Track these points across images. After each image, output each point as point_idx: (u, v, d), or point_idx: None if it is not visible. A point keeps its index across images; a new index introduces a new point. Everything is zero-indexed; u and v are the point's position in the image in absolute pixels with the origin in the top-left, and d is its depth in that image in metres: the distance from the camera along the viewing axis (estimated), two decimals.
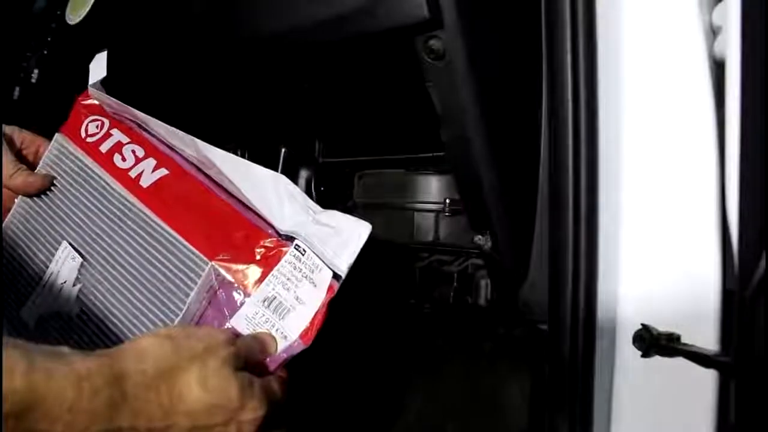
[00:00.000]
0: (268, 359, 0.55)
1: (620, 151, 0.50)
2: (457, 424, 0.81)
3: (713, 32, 0.48)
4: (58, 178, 0.70)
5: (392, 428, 0.83)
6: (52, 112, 0.75)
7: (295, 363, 0.56)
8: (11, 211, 0.71)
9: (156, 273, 0.60)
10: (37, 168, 0.71)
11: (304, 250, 0.56)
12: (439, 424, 0.82)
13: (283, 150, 0.83)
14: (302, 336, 0.55)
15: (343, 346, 0.80)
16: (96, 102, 0.73)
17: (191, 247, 0.59)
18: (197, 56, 0.67)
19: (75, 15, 0.88)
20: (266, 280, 0.57)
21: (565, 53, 0.48)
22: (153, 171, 0.66)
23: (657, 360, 0.46)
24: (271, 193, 0.59)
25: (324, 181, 0.86)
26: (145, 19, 0.71)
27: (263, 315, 0.56)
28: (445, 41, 0.48)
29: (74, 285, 0.64)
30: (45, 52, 0.94)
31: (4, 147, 0.69)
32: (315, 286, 0.55)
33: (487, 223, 0.56)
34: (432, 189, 0.74)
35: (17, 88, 0.97)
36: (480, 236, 0.57)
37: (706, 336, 0.45)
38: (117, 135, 0.70)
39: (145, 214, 0.63)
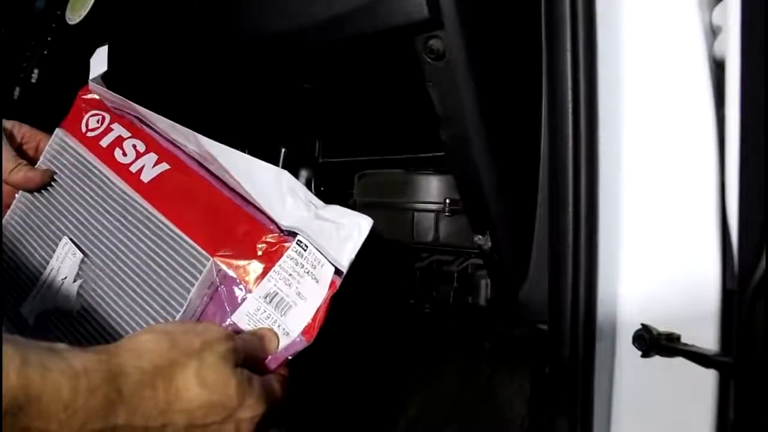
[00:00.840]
0: (269, 357, 0.55)
1: (620, 151, 0.50)
2: (456, 423, 0.81)
3: (713, 32, 0.48)
4: (59, 173, 0.70)
5: (392, 428, 0.83)
6: (52, 112, 0.75)
7: (295, 362, 0.56)
8: (11, 207, 0.71)
9: (157, 269, 0.60)
10: (38, 163, 0.71)
11: (306, 246, 0.56)
12: (439, 424, 0.82)
13: (283, 150, 0.83)
14: (304, 332, 0.55)
15: (343, 346, 0.80)
16: (96, 97, 0.73)
17: (192, 242, 0.59)
18: (197, 56, 0.67)
19: (75, 15, 0.88)
20: (268, 276, 0.57)
21: (564, 53, 0.48)
22: (154, 166, 0.65)
23: (657, 360, 0.46)
24: (272, 188, 0.59)
25: (324, 181, 0.86)
26: (146, 18, 0.71)
27: (265, 311, 0.56)
28: (445, 41, 0.48)
29: (75, 281, 0.64)
30: (45, 52, 0.94)
31: (4, 142, 0.68)
32: (317, 281, 0.55)
33: (487, 223, 0.56)
34: (432, 189, 0.74)
35: (17, 88, 0.97)
36: (480, 236, 0.57)
37: (706, 336, 0.45)
38: (118, 129, 0.69)
39: (145, 209, 0.63)
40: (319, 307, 0.55)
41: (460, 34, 0.48)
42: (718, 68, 0.47)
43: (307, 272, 0.55)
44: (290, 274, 0.56)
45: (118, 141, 0.68)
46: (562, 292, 0.49)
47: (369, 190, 0.81)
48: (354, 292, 0.76)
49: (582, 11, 0.47)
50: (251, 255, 0.58)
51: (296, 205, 0.59)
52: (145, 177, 0.65)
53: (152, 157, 0.66)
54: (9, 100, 0.97)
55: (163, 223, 0.62)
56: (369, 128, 0.80)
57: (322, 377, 0.80)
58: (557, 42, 0.48)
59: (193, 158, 0.66)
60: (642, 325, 0.47)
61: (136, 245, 0.62)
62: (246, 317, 0.56)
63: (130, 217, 0.63)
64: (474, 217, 0.58)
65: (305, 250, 0.56)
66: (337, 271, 0.54)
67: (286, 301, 0.56)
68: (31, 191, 0.70)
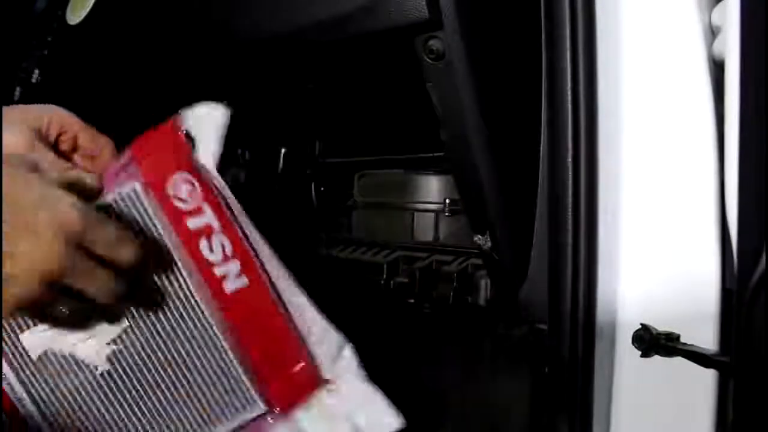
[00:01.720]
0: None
1: (620, 151, 0.50)
2: (456, 423, 0.81)
3: (713, 32, 0.48)
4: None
5: None
6: None
7: None
8: None
9: (197, 389, 0.54)
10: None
11: (333, 396, 0.56)
12: (439, 424, 0.82)
13: (283, 150, 0.83)
14: None
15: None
16: (189, 153, 0.55)
17: (250, 388, 0.55)
18: (198, 57, 0.67)
19: (75, 15, 0.88)
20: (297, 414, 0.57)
21: (564, 53, 0.48)
22: (236, 277, 0.54)
23: (656, 360, 0.46)
24: (330, 342, 0.58)
25: (324, 181, 0.86)
26: (146, 19, 0.71)
27: None
28: (445, 41, 0.48)
29: (109, 343, 0.53)
30: (45, 52, 0.94)
31: (38, 145, 0.50)
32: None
33: (487, 223, 0.56)
34: (432, 189, 0.75)
35: (18, 88, 0.97)
36: (480, 236, 0.57)
37: (705, 336, 0.45)
38: (209, 215, 0.53)
39: (210, 326, 0.53)
40: None
41: (459, 35, 0.48)
42: (717, 68, 0.47)
43: (327, 419, 0.56)
44: (314, 416, 0.56)
45: (207, 231, 0.53)
46: (562, 292, 0.49)
47: (369, 190, 0.81)
48: (354, 291, 0.76)
49: (581, 11, 0.47)
50: (291, 387, 0.56)
51: (346, 364, 0.58)
52: (228, 288, 0.53)
53: (236, 266, 0.54)
54: (9, 100, 0.97)
55: (224, 350, 0.54)
56: (369, 128, 0.80)
57: None
58: (557, 42, 0.48)
59: (264, 270, 0.56)
60: (641, 324, 0.47)
61: (185, 351, 0.54)
62: None
63: (188, 323, 0.53)
64: (474, 217, 0.58)
65: (330, 400, 0.57)
66: None
67: None
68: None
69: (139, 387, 0.53)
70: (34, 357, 0.51)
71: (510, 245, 0.56)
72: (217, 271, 0.53)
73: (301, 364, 0.55)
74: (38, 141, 0.49)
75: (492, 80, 0.51)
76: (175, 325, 0.53)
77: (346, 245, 0.81)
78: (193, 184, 0.53)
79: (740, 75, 0.42)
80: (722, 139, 0.46)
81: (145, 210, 0.52)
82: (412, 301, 0.76)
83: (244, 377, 0.54)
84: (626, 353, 0.48)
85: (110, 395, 0.53)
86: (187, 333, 0.53)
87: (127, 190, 0.51)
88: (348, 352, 0.57)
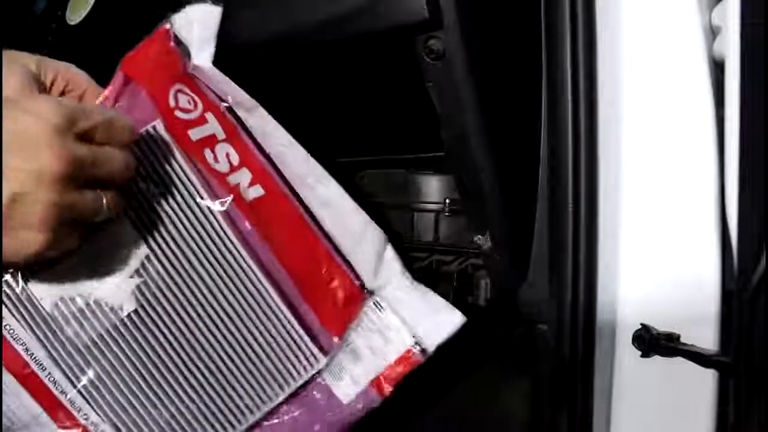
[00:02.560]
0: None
1: (620, 151, 0.50)
2: (456, 424, 0.81)
3: (713, 32, 0.48)
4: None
5: (392, 427, 0.83)
6: None
7: None
8: None
9: (252, 349, 0.50)
10: None
11: (383, 308, 0.52)
12: (438, 424, 0.82)
13: None
14: (373, 385, 0.52)
15: None
16: (183, 62, 0.50)
17: (304, 335, 0.51)
18: None
19: (75, 15, 0.88)
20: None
21: (564, 54, 0.48)
22: (248, 186, 0.50)
23: (656, 360, 0.46)
24: (366, 244, 0.53)
25: None
26: (146, 19, 0.71)
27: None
28: (445, 41, 0.48)
29: (132, 276, 0.48)
30: (45, 52, 0.94)
31: (30, 87, 0.46)
32: (389, 343, 0.52)
33: (487, 223, 0.56)
34: (432, 189, 0.74)
35: None
36: (480, 236, 0.57)
37: (705, 336, 0.45)
38: (212, 123, 0.50)
39: (236, 248, 0.49)
40: (391, 364, 0.51)
41: (459, 35, 0.48)
42: (717, 68, 0.47)
43: (380, 331, 0.52)
44: (365, 329, 0.52)
45: (211, 141, 0.50)
46: (562, 292, 0.49)
47: (369, 190, 0.81)
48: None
49: (581, 12, 0.47)
50: (336, 311, 0.52)
51: (388, 269, 0.53)
52: (247, 197, 0.50)
53: (246, 174, 0.50)
54: None
55: (268, 292, 0.50)
56: (369, 128, 0.80)
57: None
58: (557, 42, 0.48)
59: (286, 181, 0.52)
60: (642, 324, 0.47)
61: (227, 300, 0.49)
62: None
63: (215, 249, 0.49)
64: (474, 217, 0.58)
65: (381, 312, 0.52)
66: (422, 350, 0.51)
67: (357, 353, 0.52)
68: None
69: (173, 328, 0.47)
70: (48, 309, 0.47)
71: (510, 245, 0.56)
72: (231, 180, 0.49)
73: (342, 280, 0.51)
74: (32, 85, 0.45)
75: (492, 80, 0.51)
76: (199, 247, 0.48)
77: None
78: (192, 98, 0.50)
79: (740, 75, 0.42)
80: (722, 139, 0.46)
81: (154, 129, 0.48)
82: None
83: (304, 334, 0.50)
84: (626, 353, 0.48)
85: (142, 343, 0.47)
86: (215, 254, 0.48)
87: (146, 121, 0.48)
88: (390, 254, 0.53)
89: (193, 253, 0.48)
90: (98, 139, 0.41)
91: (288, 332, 0.50)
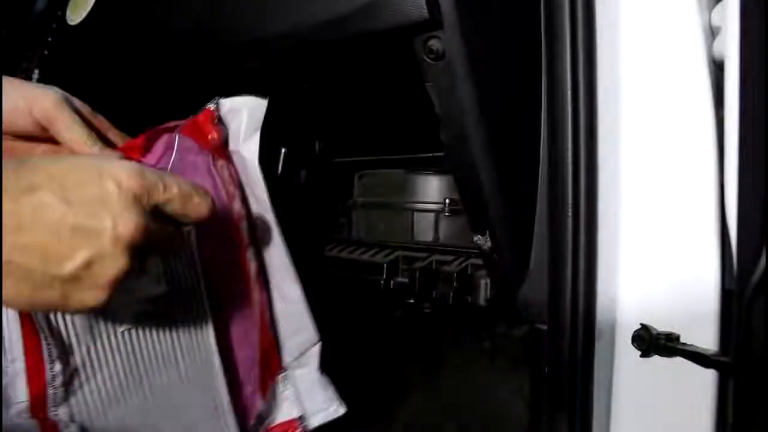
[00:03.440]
0: None
1: (619, 151, 0.50)
2: (456, 423, 0.81)
3: (712, 32, 0.48)
4: None
5: (392, 427, 0.83)
6: None
7: None
8: None
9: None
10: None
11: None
12: (439, 423, 0.82)
13: (283, 150, 0.83)
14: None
15: (344, 345, 0.80)
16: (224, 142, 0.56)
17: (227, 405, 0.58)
18: (199, 57, 0.67)
19: (75, 15, 0.88)
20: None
21: (564, 53, 0.48)
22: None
23: (656, 360, 0.46)
24: (293, 320, 0.63)
25: (324, 181, 0.86)
26: (146, 19, 0.71)
27: None
28: (445, 41, 0.48)
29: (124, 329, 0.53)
30: (45, 52, 0.94)
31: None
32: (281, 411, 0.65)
33: (487, 223, 0.56)
34: (432, 189, 0.75)
35: None
36: (480, 236, 0.57)
37: (705, 336, 0.45)
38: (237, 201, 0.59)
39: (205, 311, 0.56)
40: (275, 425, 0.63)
41: (459, 35, 0.48)
42: (717, 68, 0.47)
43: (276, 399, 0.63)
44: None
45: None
46: (561, 292, 0.49)
47: (369, 190, 0.81)
48: (354, 293, 0.76)
49: (581, 12, 0.47)
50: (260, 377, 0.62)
51: (307, 359, 0.64)
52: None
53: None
54: None
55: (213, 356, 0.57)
56: (369, 128, 0.80)
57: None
58: (557, 42, 0.48)
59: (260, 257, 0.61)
60: (641, 324, 0.47)
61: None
62: None
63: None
64: (474, 217, 0.58)
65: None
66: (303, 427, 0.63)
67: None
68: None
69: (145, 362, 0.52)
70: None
71: (510, 245, 0.56)
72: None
73: (269, 351, 0.61)
74: (63, 105, 0.49)
75: (492, 80, 0.51)
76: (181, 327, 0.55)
77: (346, 245, 0.81)
78: (229, 170, 0.55)
79: (740, 75, 0.42)
80: (722, 140, 0.46)
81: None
82: (412, 301, 0.76)
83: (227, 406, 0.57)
84: (626, 353, 0.48)
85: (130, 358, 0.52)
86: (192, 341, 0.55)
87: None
88: (315, 350, 0.64)
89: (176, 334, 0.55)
90: (173, 209, 0.42)
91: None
